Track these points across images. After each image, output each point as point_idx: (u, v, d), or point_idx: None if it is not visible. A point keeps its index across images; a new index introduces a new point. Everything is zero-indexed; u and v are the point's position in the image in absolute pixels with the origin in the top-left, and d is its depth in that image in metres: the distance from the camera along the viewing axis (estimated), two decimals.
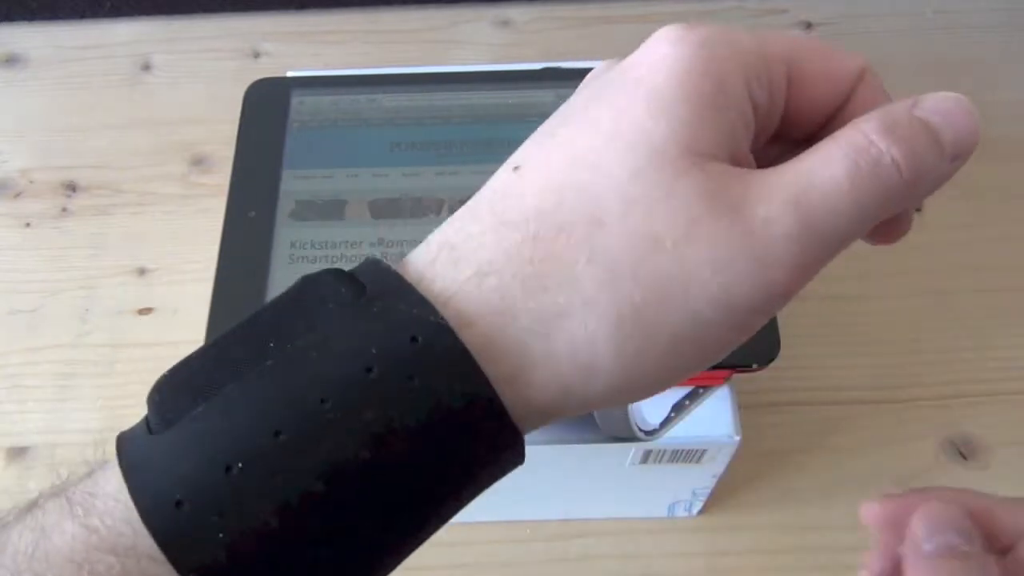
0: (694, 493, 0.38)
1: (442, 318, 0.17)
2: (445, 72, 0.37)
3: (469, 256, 0.18)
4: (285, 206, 0.33)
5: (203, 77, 0.54)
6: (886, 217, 0.19)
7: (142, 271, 0.47)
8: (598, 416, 0.31)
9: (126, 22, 0.56)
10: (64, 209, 0.49)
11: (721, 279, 0.17)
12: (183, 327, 0.45)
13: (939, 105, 0.19)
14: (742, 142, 0.19)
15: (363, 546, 0.17)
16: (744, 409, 0.33)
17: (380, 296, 0.18)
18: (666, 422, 0.31)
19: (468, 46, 0.55)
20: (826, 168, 0.18)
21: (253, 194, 0.34)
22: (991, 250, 0.47)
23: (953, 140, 0.18)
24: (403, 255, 0.34)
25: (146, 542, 0.16)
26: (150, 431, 0.17)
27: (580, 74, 0.37)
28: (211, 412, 0.17)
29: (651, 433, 0.31)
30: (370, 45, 0.55)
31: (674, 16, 0.56)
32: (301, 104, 0.36)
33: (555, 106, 0.36)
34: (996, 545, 0.24)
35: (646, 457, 0.32)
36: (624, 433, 0.31)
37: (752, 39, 0.19)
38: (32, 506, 0.17)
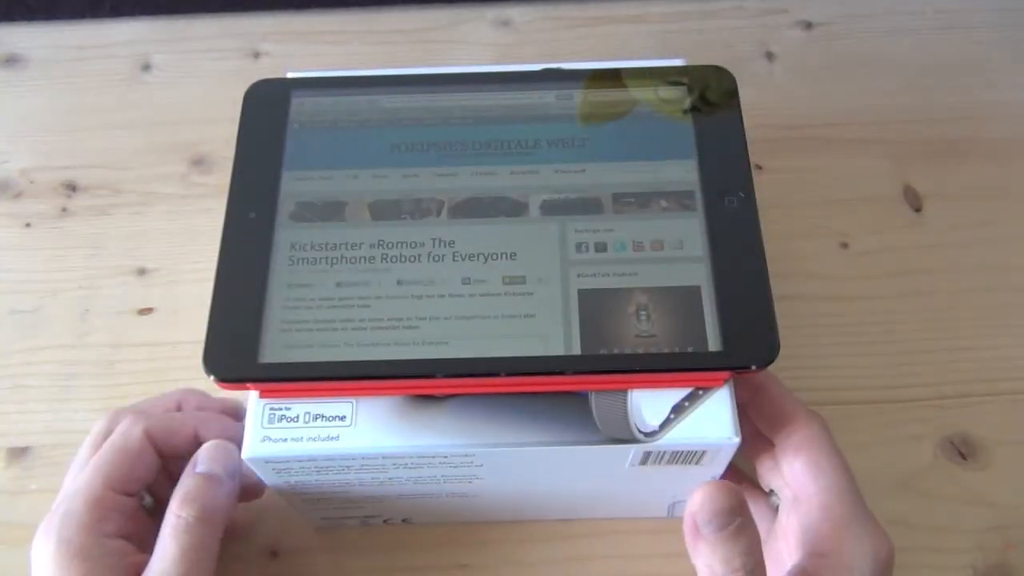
0: None
1: None
2: (445, 72, 0.37)
3: None
4: (285, 207, 0.33)
5: (203, 77, 0.54)
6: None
7: (142, 271, 0.47)
8: (598, 418, 0.31)
9: (126, 22, 0.56)
10: (64, 209, 0.50)
11: None
12: (183, 327, 0.45)
13: (207, 453, 0.31)
14: None
15: None
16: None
17: None
18: (665, 423, 0.31)
19: (468, 46, 0.55)
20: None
21: (253, 194, 0.34)
22: (991, 250, 0.47)
23: (223, 470, 0.31)
24: (402, 257, 0.34)
25: None
26: None
27: (580, 74, 0.37)
28: None
29: (650, 435, 0.31)
30: (370, 45, 0.55)
31: (673, 16, 0.56)
32: (301, 104, 0.36)
33: (555, 106, 0.36)
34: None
35: (646, 458, 0.32)
36: (624, 435, 0.31)
37: None
38: None
